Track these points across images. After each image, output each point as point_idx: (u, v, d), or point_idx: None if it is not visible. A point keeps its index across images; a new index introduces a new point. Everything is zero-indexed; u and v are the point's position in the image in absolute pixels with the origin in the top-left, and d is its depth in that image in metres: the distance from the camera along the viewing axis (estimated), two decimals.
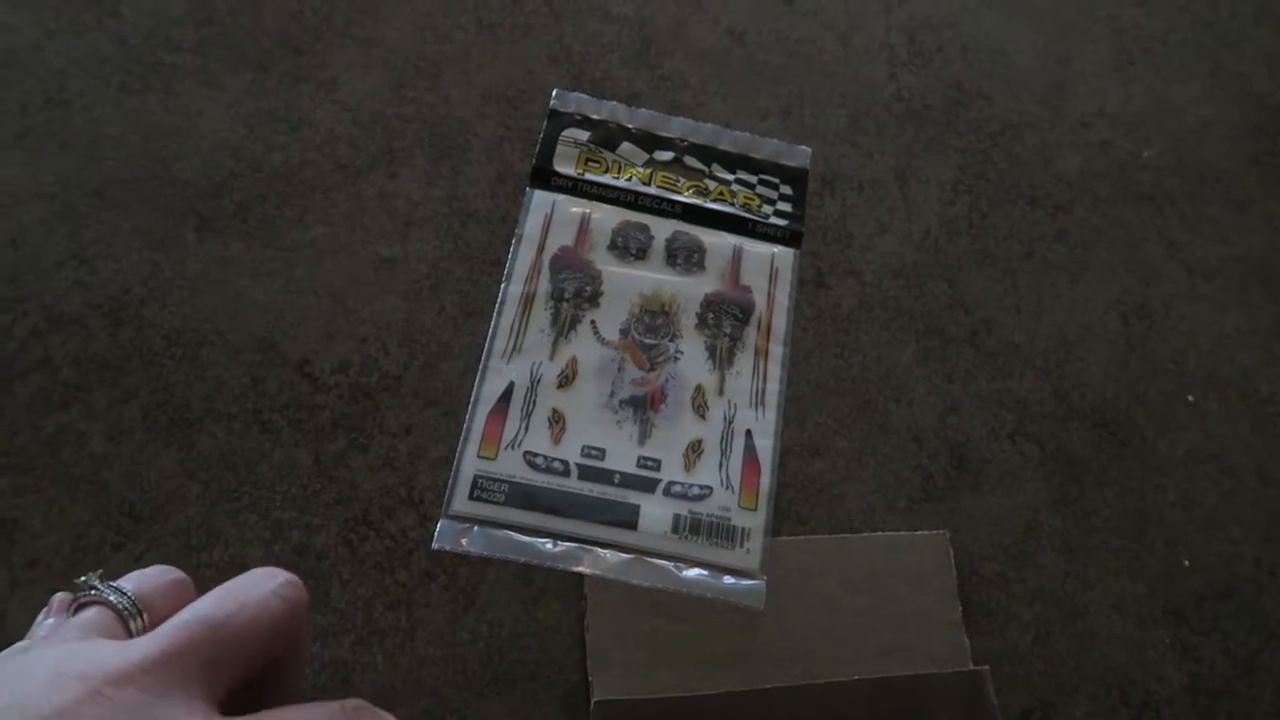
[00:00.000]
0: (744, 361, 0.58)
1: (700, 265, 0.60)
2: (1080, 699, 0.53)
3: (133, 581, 0.20)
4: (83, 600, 0.20)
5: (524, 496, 0.52)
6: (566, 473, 0.53)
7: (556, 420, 0.55)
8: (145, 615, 0.20)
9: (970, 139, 0.67)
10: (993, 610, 0.54)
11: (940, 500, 0.57)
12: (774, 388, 0.58)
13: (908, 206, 0.65)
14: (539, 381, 0.55)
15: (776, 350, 0.59)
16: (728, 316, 0.59)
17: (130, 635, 0.20)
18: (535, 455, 0.54)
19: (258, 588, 0.21)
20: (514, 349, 0.56)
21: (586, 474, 0.53)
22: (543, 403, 0.55)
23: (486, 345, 0.56)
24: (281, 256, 0.57)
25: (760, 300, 0.60)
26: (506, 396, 0.55)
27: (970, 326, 0.61)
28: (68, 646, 0.19)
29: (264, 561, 0.50)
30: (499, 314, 0.57)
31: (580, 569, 0.51)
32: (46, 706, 0.16)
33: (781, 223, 0.62)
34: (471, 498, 0.52)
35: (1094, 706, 0.53)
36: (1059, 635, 0.54)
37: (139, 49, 0.61)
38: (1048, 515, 0.57)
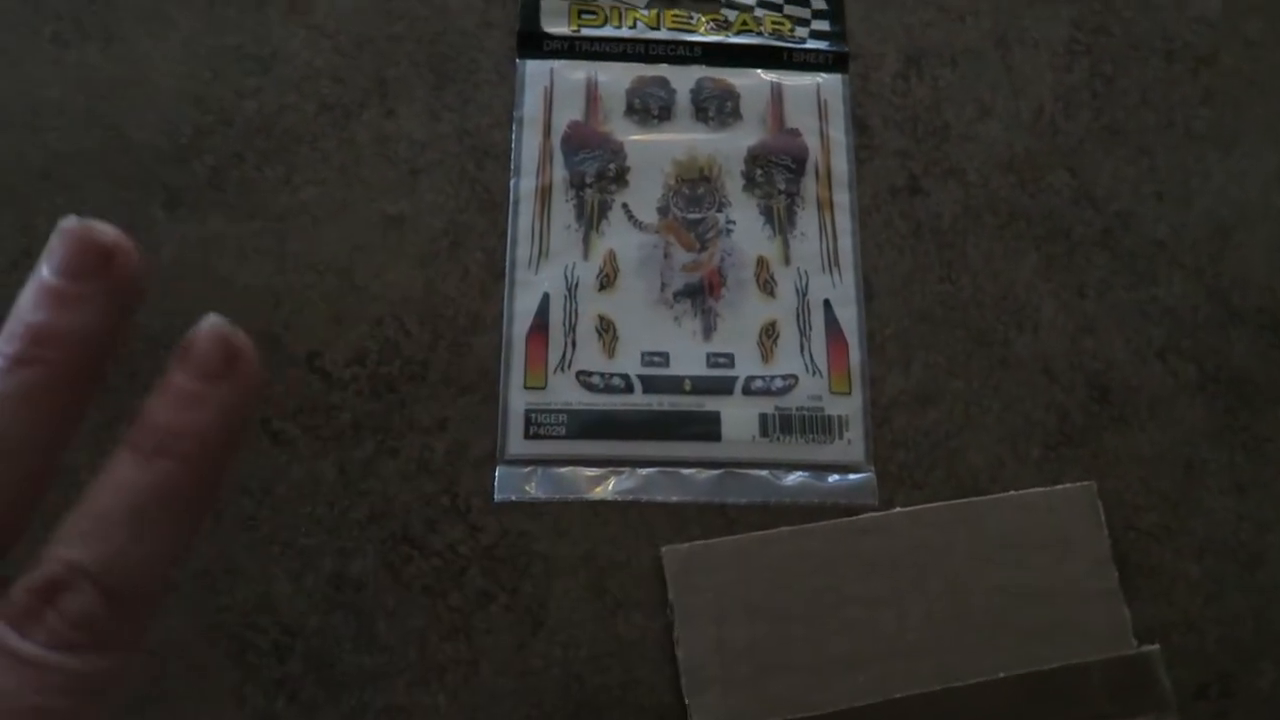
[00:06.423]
0: (807, 220, 0.49)
1: (736, 114, 0.50)
2: (1266, 666, 0.45)
3: None
4: None
5: (586, 425, 0.45)
6: (629, 389, 0.45)
7: (606, 329, 0.46)
8: None
9: None
10: (1154, 571, 0.46)
11: (1081, 444, 0.47)
12: (847, 244, 0.48)
13: (1013, 80, 0.53)
14: (576, 287, 0.47)
15: (842, 199, 0.49)
16: (779, 169, 0.49)
17: None
18: (590, 374, 0.46)
19: None
20: (540, 254, 0.47)
21: (652, 386, 0.45)
22: (586, 311, 0.46)
23: (508, 254, 0.47)
24: (270, 229, 0.48)
25: (813, 143, 0.50)
26: (543, 311, 0.46)
27: (1102, 225, 0.51)
28: None
29: (295, 599, 0.43)
30: (514, 214, 0.48)
31: (667, 498, 0.43)
32: None
33: (821, 45, 0.51)
34: (527, 436, 0.45)
35: None
36: (1235, 592, 0.46)
37: None
38: (1212, 448, 0.48)
